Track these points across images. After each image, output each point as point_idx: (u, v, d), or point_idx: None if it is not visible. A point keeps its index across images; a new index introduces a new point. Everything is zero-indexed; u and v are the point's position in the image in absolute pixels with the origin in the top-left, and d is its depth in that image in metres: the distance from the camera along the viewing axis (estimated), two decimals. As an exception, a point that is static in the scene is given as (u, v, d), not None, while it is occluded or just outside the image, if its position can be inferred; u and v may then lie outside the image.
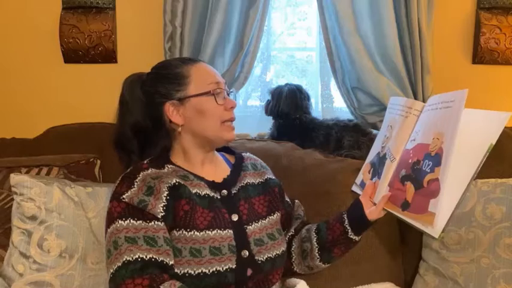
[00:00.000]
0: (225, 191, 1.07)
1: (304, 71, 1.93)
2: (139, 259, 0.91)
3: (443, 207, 0.92)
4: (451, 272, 1.21)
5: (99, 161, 1.45)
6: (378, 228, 1.32)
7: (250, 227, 1.06)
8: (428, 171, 0.96)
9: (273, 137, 1.68)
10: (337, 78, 1.73)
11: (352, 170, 1.38)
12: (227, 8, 1.61)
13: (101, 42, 1.73)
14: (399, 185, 1.05)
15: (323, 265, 1.16)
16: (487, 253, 1.18)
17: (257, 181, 1.15)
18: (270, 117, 1.73)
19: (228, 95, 1.10)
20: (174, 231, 0.98)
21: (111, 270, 0.92)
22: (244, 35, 1.64)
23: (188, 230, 0.98)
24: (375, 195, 1.13)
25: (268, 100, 1.72)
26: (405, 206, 1.02)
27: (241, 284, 1.00)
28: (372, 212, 1.09)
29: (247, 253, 1.02)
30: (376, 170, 1.18)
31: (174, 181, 1.01)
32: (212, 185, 1.07)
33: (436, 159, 0.95)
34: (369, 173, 1.23)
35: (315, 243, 1.14)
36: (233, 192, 1.09)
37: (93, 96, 1.78)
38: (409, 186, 1.01)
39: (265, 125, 1.76)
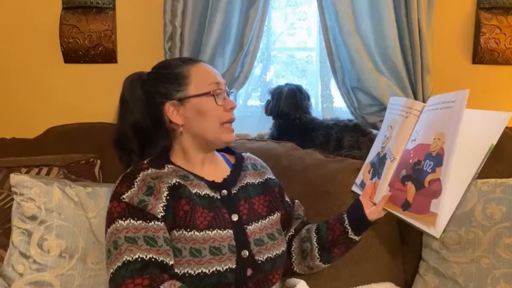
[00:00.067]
0: (225, 191, 1.07)
1: (304, 71, 1.93)
2: (139, 259, 0.91)
3: (445, 207, 0.92)
4: (451, 272, 1.21)
5: (99, 161, 1.45)
6: (378, 228, 1.32)
7: (250, 227, 1.06)
8: (430, 171, 0.96)
9: (273, 137, 1.68)
10: (337, 78, 1.73)
11: (352, 170, 1.38)
12: (227, 8, 1.61)
13: (101, 42, 1.73)
14: (400, 185, 1.05)
15: (323, 265, 1.16)
16: (487, 253, 1.18)
17: (257, 181, 1.15)
18: (270, 117, 1.73)
19: (228, 95, 1.10)
20: (174, 231, 0.98)
21: (111, 270, 0.91)
22: (244, 35, 1.64)
23: (188, 230, 0.98)
24: (375, 195, 1.13)
25: (268, 100, 1.72)
26: (406, 206, 1.01)
27: (241, 284, 1.00)
28: (372, 212, 1.09)
29: (247, 253, 1.02)
30: (376, 170, 1.18)
31: (174, 181, 1.01)
32: (212, 185, 1.07)
33: (437, 159, 0.95)
34: (369, 173, 1.23)
35: (315, 243, 1.14)
36: (233, 192, 1.09)
37: (93, 96, 1.78)
38: (410, 187, 1.01)
39: (265, 125, 1.76)
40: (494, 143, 0.90)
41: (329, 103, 1.85)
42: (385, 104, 1.55)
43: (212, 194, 1.05)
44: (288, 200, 1.24)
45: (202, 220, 1.00)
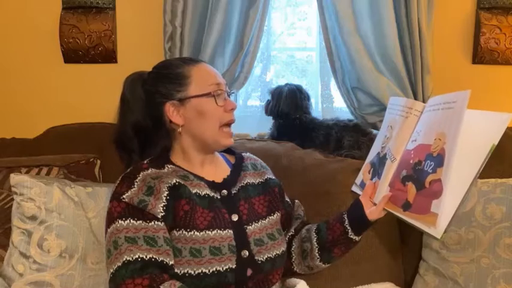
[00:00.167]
0: (225, 191, 1.07)
1: (304, 71, 1.93)
2: (139, 259, 0.91)
3: (446, 208, 0.92)
4: (451, 272, 1.21)
5: (99, 161, 1.45)
6: (378, 228, 1.32)
7: (250, 227, 1.06)
8: (430, 171, 0.96)
9: (273, 137, 1.68)
10: (337, 78, 1.73)
11: (352, 170, 1.38)
12: (227, 8, 1.61)
13: (101, 42, 1.73)
14: (400, 186, 1.05)
15: (323, 265, 1.16)
16: (487, 253, 1.18)
17: (257, 181, 1.15)
18: (270, 117, 1.73)
19: (229, 96, 1.10)
20: (174, 231, 0.98)
21: (111, 270, 0.91)
22: (244, 35, 1.64)
23: (188, 230, 0.98)
24: (375, 196, 1.13)
25: (268, 100, 1.72)
26: (406, 206, 1.01)
27: (241, 284, 1.00)
28: (372, 212, 1.09)
29: (247, 253, 1.02)
30: (376, 170, 1.18)
31: (174, 181, 1.01)
32: (212, 185, 1.07)
33: (438, 159, 0.95)
34: (369, 173, 1.22)
35: (315, 243, 1.14)
36: (233, 192, 1.09)
37: (93, 96, 1.78)
38: (411, 187, 1.01)
39: (265, 125, 1.76)
40: (496, 143, 0.90)
41: (329, 103, 1.85)
42: (385, 104, 1.55)
43: (212, 194, 1.05)
44: (288, 200, 1.24)
45: (202, 220, 1.00)
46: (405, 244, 1.41)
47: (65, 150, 1.44)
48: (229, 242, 1.00)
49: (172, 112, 1.05)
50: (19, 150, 1.49)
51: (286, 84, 1.71)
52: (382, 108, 1.66)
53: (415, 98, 1.65)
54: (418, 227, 0.98)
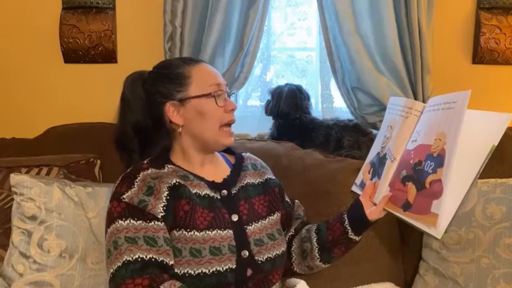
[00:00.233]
0: (225, 191, 1.07)
1: (304, 71, 1.93)
2: (139, 259, 0.91)
3: (446, 208, 0.92)
4: (451, 272, 1.21)
5: (99, 161, 1.45)
6: (378, 228, 1.32)
7: (250, 227, 1.06)
8: (431, 172, 0.96)
9: (273, 137, 1.68)
10: (337, 78, 1.73)
11: (352, 170, 1.38)
12: (227, 8, 1.61)
13: (101, 42, 1.73)
14: (400, 186, 1.05)
15: (323, 265, 1.16)
16: (487, 253, 1.18)
17: (257, 181, 1.15)
18: (270, 117, 1.73)
19: (229, 96, 1.10)
20: (174, 231, 0.98)
21: (111, 270, 0.91)
22: (244, 35, 1.64)
23: (188, 230, 0.98)
24: (375, 196, 1.13)
25: (268, 100, 1.72)
26: (406, 206, 1.01)
27: (241, 284, 1.00)
28: (372, 212, 1.09)
29: (247, 253, 1.02)
30: (376, 170, 1.18)
31: (174, 181, 1.01)
32: (212, 185, 1.07)
33: (438, 160, 0.95)
34: (369, 173, 1.22)
35: (315, 243, 1.14)
36: (233, 192, 1.09)
37: (93, 96, 1.78)
38: (411, 187, 1.01)
39: (265, 125, 1.76)
40: (496, 144, 0.90)
41: (329, 103, 1.85)
42: (385, 104, 1.54)
43: (212, 194, 1.05)
44: (288, 200, 1.24)
45: (202, 220, 1.00)
46: (405, 244, 1.41)
47: (65, 150, 1.44)
48: (229, 242, 1.00)
49: (172, 112, 1.05)
50: (19, 150, 1.49)
51: (286, 84, 1.71)
52: (382, 108, 1.66)
53: (415, 98, 1.65)
54: (418, 227, 0.98)
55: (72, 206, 1.19)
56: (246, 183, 1.12)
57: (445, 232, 0.92)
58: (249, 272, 1.01)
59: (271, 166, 1.24)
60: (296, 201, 1.29)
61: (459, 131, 0.92)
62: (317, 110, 1.84)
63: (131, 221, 0.95)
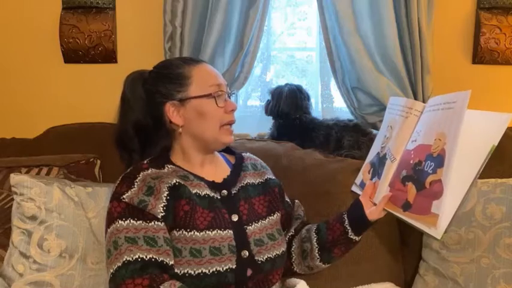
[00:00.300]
0: (225, 191, 1.07)
1: (304, 71, 1.93)
2: (139, 259, 0.91)
3: (446, 208, 0.92)
4: (451, 272, 1.21)
5: (99, 161, 1.45)
6: (378, 228, 1.32)
7: (250, 227, 1.06)
8: (431, 172, 0.96)
9: (273, 137, 1.68)
10: (337, 78, 1.73)
11: (352, 170, 1.38)
12: (227, 8, 1.61)
13: (101, 42, 1.73)
14: (400, 186, 1.05)
15: (323, 265, 1.16)
16: (487, 253, 1.18)
17: (257, 181, 1.15)
18: (270, 117, 1.73)
19: (229, 97, 1.10)
20: (174, 232, 0.98)
21: (111, 270, 0.91)
22: (244, 35, 1.64)
23: (188, 230, 0.98)
24: (375, 196, 1.13)
25: (268, 100, 1.72)
26: (406, 206, 1.01)
27: (241, 284, 1.00)
28: (372, 212, 1.09)
29: (247, 253, 1.02)
30: (376, 170, 1.18)
31: (174, 181, 1.01)
32: (212, 185, 1.07)
33: (438, 160, 0.95)
34: (369, 173, 1.22)
35: (315, 243, 1.14)
36: (233, 192, 1.09)
37: (93, 96, 1.78)
38: (411, 187, 1.01)
39: (265, 125, 1.76)
40: (496, 144, 0.90)
41: (329, 103, 1.85)
42: (385, 104, 1.54)
43: (212, 194, 1.05)
44: (288, 200, 1.24)
45: (202, 220, 1.00)
46: (405, 244, 1.41)
47: (65, 150, 1.44)
48: (229, 242, 1.00)
49: (172, 112, 1.05)
50: (19, 150, 1.49)
51: (286, 84, 1.71)
52: (382, 108, 1.66)
53: (415, 98, 1.65)
54: (418, 227, 0.98)
55: (72, 206, 1.19)
56: (246, 183, 1.12)
57: (445, 232, 0.92)
58: (249, 272, 1.01)
59: (271, 166, 1.24)
60: (296, 201, 1.29)
61: (459, 131, 0.92)
62: (317, 110, 1.84)
63: (131, 221, 0.95)
